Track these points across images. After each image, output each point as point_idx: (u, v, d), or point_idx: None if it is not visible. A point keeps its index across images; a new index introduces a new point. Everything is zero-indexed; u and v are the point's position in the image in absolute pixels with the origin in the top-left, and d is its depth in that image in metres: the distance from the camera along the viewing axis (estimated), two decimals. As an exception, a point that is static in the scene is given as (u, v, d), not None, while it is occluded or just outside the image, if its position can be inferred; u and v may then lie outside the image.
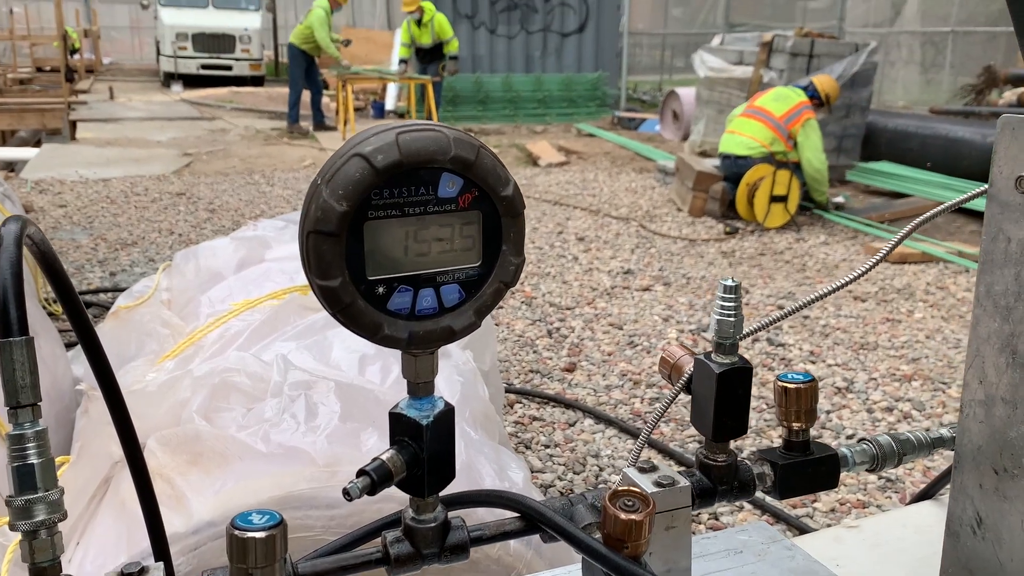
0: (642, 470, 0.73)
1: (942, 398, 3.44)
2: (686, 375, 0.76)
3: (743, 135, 6.20)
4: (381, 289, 0.57)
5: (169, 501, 1.19)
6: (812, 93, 6.26)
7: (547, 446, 3.00)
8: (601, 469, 2.86)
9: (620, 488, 0.63)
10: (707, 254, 5.55)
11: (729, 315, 0.71)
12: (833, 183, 7.86)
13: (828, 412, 3.29)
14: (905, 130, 7.86)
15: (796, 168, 6.16)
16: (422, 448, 0.63)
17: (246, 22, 18.50)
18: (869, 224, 6.27)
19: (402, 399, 0.64)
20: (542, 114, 13.14)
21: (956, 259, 5.38)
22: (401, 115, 13.05)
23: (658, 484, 0.71)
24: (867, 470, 0.81)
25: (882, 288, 4.86)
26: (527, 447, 2.99)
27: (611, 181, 8.18)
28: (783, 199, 6.11)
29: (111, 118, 12.58)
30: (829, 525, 2.62)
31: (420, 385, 0.63)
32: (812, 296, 0.78)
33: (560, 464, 2.88)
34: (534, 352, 3.84)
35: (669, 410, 3.30)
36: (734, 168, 6.24)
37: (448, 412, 0.64)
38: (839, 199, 7.07)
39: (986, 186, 0.80)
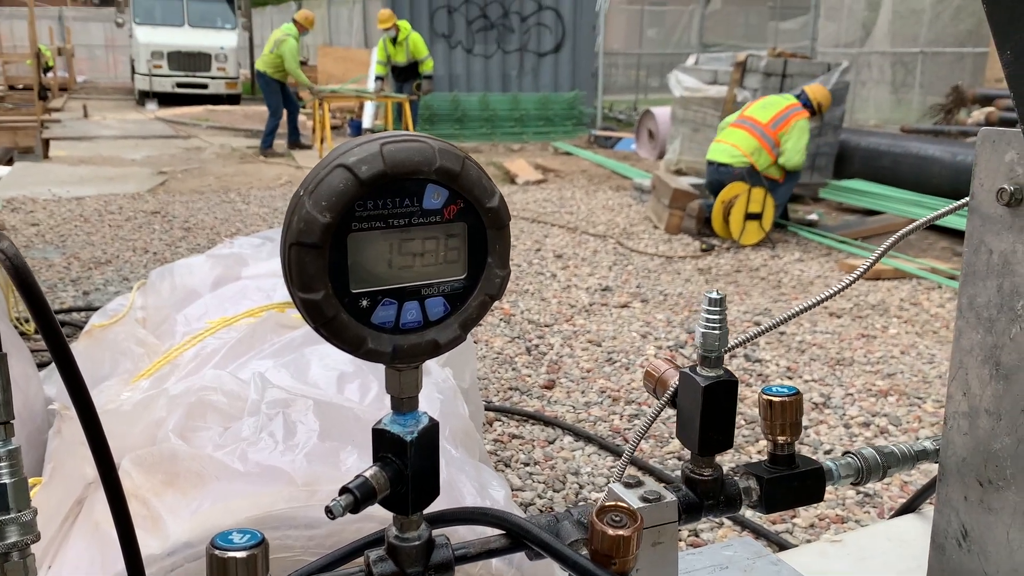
0: (628, 485, 0.72)
1: (918, 413, 3.47)
2: (671, 389, 0.76)
3: (727, 143, 6.27)
4: (365, 302, 0.57)
5: (145, 522, 1.16)
6: (805, 101, 6.33)
7: (527, 464, 2.98)
8: (581, 487, 2.84)
9: (607, 504, 0.63)
10: (684, 271, 5.57)
11: (714, 328, 0.71)
12: (807, 200, 7.95)
13: (806, 428, 3.30)
14: (877, 148, 7.97)
15: (772, 185, 6.20)
16: (406, 465, 0.62)
17: (222, 41, 18.45)
18: (843, 241, 6.34)
19: (385, 415, 0.63)
20: (519, 132, 13.19)
21: (929, 275, 5.44)
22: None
23: (644, 499, 0.70)
24: (852, 483, 0.81)
25: (857, 304, 4.91)
26: (507, 465, 2.98)
27: (588, 199, 8.21)
28: (758, 216, 6.16)
29: (85, 136, 12.47)
30: (809, 541, 2.63)
31: (404, 400, 0.62)
32: (795, 309, 0.78)
33: (540, 482, 2.86)
34: (513, 369, 3.83)
35: (643, 439, 3.30)
36: (715, 175, 6.30)
37: (432, 428, 0.63)
38: (813, 216, 7.15)
39: (962, 201, 0.80)
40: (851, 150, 8.13)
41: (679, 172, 8.46)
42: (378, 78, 11.26)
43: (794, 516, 2.69)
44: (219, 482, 1.22)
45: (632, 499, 0.71)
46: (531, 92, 13.94)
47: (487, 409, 3.32)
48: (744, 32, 18.07)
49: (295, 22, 10.88)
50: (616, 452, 3.06)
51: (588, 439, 3.16)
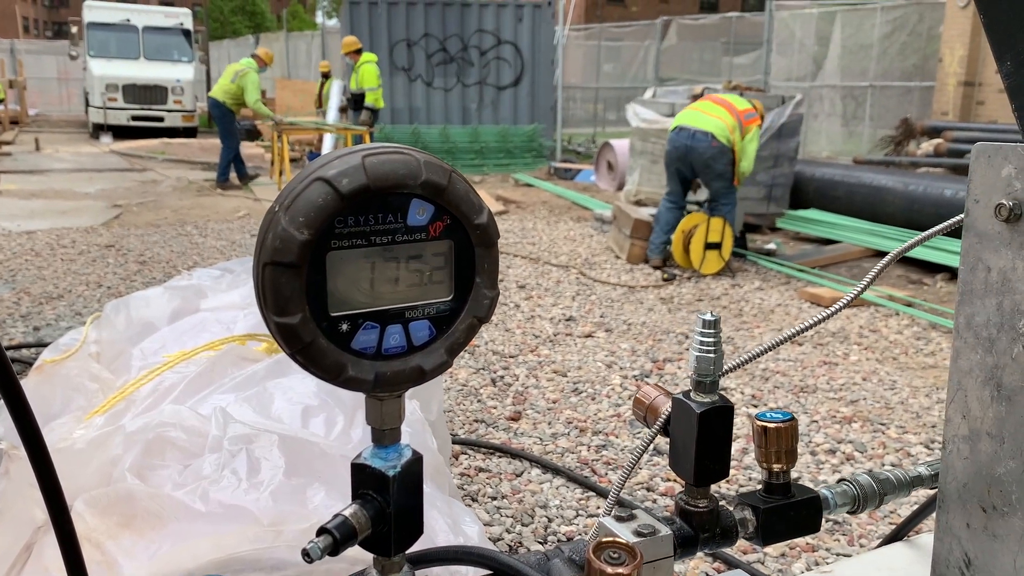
0: (620, 519, 0.69)
1: (882, 439, 3.48)
2: (663, 416, 0.73)
3: (710, 115, 5.99)
4: (345, 326, 0.53)
5: (99, 568, 1.09)
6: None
7: (494, 498, 2.92)
8: (550, 520, 2.79)
9: (603, 540, 0.59)
10: (646, 300, 5.58)
11: (709, 351, 0.68)
12: (764, 230, 8.05)
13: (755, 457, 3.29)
14: (832, 179, 8.11)
15: (726, 192, 6.17)
16: (388, 502, 0.57)
17: (178, 73, 18.30)
18: (801, 270, 6.41)
19: (365, 448, 0.59)
20: (479, 164, 13.23)
21: (886, 303, 5.52)
22: (337, 166, 12.96)
23: (638, 533, 0.67)
24: (848, 512, 0.78)
25: (818, 332, 4.94)
26: (474, 499, 2.91)
27: (550, 229, 8.23)
28: (717, 246, 6.20)
29: (36, 170, 12.22)
30: (781, 571, 2.60)
31: (386, 432, 0.58)
32: (790, 332, 0.75)
33: (508, 516, 2.81)
34: (478, 401, 3.77)
35: (616, 457, 3.26)
36: (689, 142, 5.93)
37: (416, 461, 0.59)
38: (771, 246, 7.23)
39: (954, 219, 0.79)
40: (806, 181, 8.27)
41: (639, 203, 8.52)
42: (342, 110, 11.29)
43: (757, 551, 2.66)
44: (179, 523, 1.16)
45: (625, 534, 0.67)
46: (491, 125, 14.01)
47: (453, 442, 3.26)
48: (699, 67, 18.41)
49: (255, 57, 10.84)
50: (584, 484, 3.01)
51: (556, 471, 3.11)
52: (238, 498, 1.19)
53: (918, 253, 6.49)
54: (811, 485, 0.78)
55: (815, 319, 0.76)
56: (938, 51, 12.36)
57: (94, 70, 17.70)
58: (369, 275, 0.53)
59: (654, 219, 6.45)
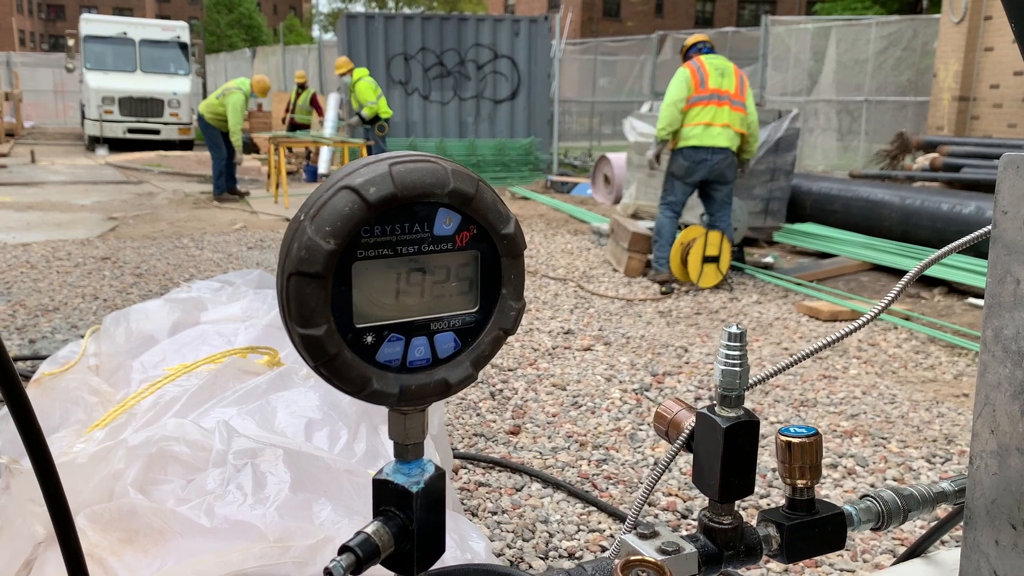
0: (642, 536, 0.67)
1: (883, 453, 3.47)
2: (686, 431, 0.71)
3: (721, 124, 5.99)
4: (370, 338, 0.51)
5: (101, 585, 1.07)
6: None
7: (494, 512, 2.90)
8: (551, 535, 2.77)
9: (632, 558, 0.57)
10: (645, 313, 5.57)
11: (735, 364, 0.67)
12: (761, 244, 8.06)
13: (773, 470, 3.27)
14: (828, 192, 8.13)
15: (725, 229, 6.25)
16: (411, 519, 0.56)
17: (175, 86, 18.32)
18: (799, 283, 6.41)
19: (387, 464, 0.58)
20: (476, 178, 13.24)
21: (884, 316, 5.51)
22: (334, 179, 12.98)
23: (663, 551, 0.65)
24: (872, 529, 0.77)
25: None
26: (474, 514, 2.89)
27: (547, 243, 8.22)
28: (715, 259, 6.20)
29: (32, 182, 12.20)
30: (784, 586, 2.58)
31: (409, 447, 0.57)
32: (820, 343, 0.74)
33: (509, 531, 2.78)
34: (477, 415, 3.75)
35: (616, 472, 3.24)
36: (709, 156, 5.96)
37: (439, 477, 0.58)
38: (768, 259, 7.24)
39: (978, 232, 0.78)
40: (803, 195, 8.29)
41: (635, 216, 8.53)
42: (359, 116, 11.26)
43: (768, 560, 2.64)
44: (183, 539, 1.14)
45: (649, 552, 0.65)
46: (487, 138, 14.04)
47: (453, 456, 3.23)
48: (694, 81, 18.44)
49: (252, 84, 10.74)
50: (586, 499, 2.99)
51: (557, 486, 3.09)
52: (244, 513, 1.17)
53: (912, 266, 6.49)
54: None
55: (842, 332, 0.75)
56: (932, 66, 12.43)
57: (90, 83, 17.71)
58: (395, 286, 0.52)
59: (656, 233, 6.42)
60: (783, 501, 0.74)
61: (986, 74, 11.59)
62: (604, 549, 2.69)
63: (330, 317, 0.49)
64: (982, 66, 11.59)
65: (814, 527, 0.72)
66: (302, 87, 13.59)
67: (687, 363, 4.54)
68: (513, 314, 0.56)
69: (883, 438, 3.61)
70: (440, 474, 0.58)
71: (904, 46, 13.07)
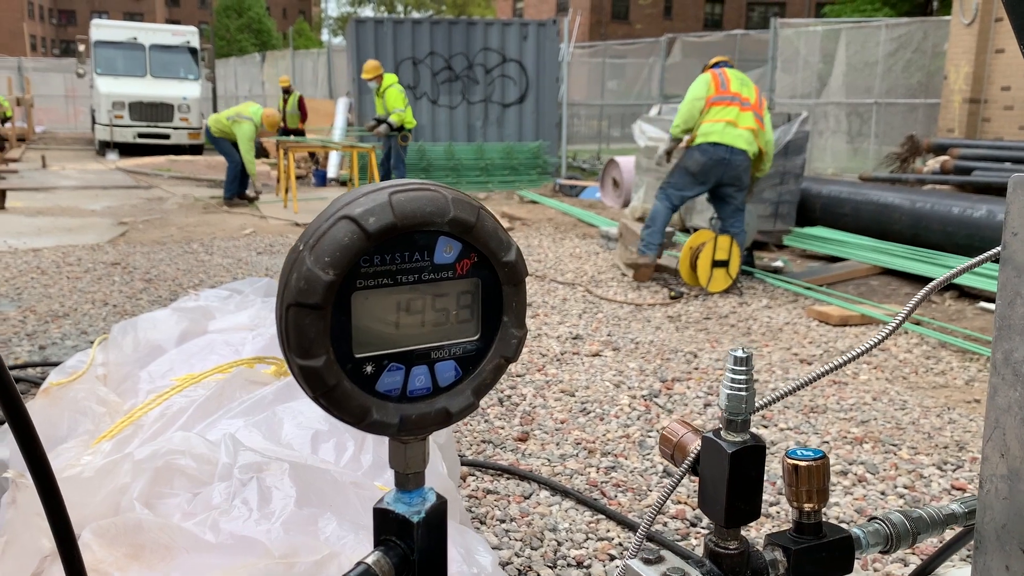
0: (647, 561, 0.66)
1: (894, 460, 3.44)
2: (691, 455, 0.70)
3: (742, 127, 5.95)
4: (370, 368, 0.51)
5: (106, 602, 1.07)
6: None
7: (502, 520, 2.89)
8: (560, 544, 2.76)
9: (637, 586, 0.57)
10: (654, 318, 5.56)
11: (740, 389, 0.66)
12: (771, 248, 8.03)
13: (782, 477, 3.25)
14: (838, 196, 8.09)
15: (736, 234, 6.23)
16: (412, 548, 0.55)
17: (185, 91, 18.40)
18: (809, 287, 6.38)
19: (388, 492, 0.57)
20: (484, 181, 13.25)
21: (895, 321, 5.48)
22: (344, 183, 13.03)
23: (667, 577, 0.65)
24: (881, 552, 0.76)
25: (826, 351, 4.91)
26: (481, 522, 2.88)
27: (555, 247, 8.21)
28: (724, 264, 6.18)
29: (43, 187, 12.27)
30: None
31: (410, 476, 0.56)
32: (852, 354, 0.73)
33: (517, 540, 2.77)
34: (485, 421, 3.75)
35: (625, 480, 3.23)
36: (727, 155, 5.88)
37: (440, 506, 0.57)
38: (778, 263, 7.21)
39: (991, 252, 0.77)
40: (812, 198, 8.26)
41: (643, 219, 8.52)
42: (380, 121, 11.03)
43: None
44: (189, 555, 1.14)
45: (654, 577, 0.65)
46: (496, 142, 14.05)
47: (460, 464, 3.23)
48: (703, 84, 18.41)
49: (262, 117, 10.67)
50: (594, 507, 2.98)
51: (565, 493, 3.08)
52: (249, 529, 1.17)
53: (926, 271, 6.47)
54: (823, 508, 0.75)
55: (870, 343, 0.74)
56: (943, 68, 12.37)
57: (101, 88, 17.81)
58: (395, 315, 0.51)
59: (649, 219, 6.34)
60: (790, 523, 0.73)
61: (997, 76, 11.52)
62: (613, 558, 2.68)
63: (329, 348, 0.49)
64: (993, 68, 11.54)
65: (821, 551, 0.71)
66: (287, 92, 13.58)
67: (696, 369, 4.52)
68: (515, 342, 0.55)
69: (894, 445, 3.59)
70: (441, 503, 0.57)
71: (914, 48, 13.02)
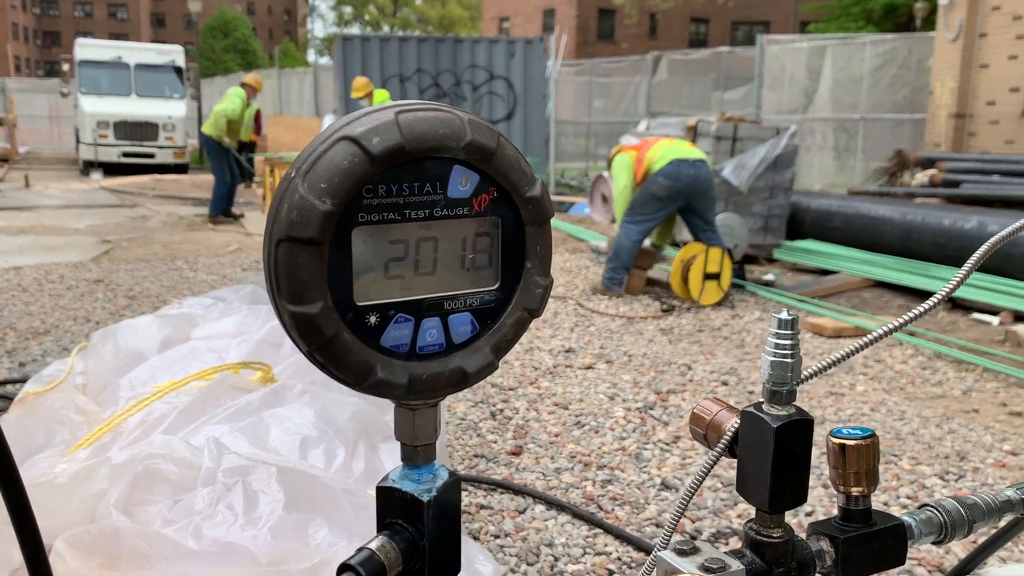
0: (681, 552, 0.59)
1: (895, 470, 3.38)
2: (728, 434, 0.63)
3: (690, 146, 6.13)
4: (373, 318, 0.43)
5: (78, 615, 0.98)
6: None
7: (497, 536, 2.80)
8: (556, 559, 2.67)
9: (678, 576, 0.49)
10: (646, 331, 5.49)
11: (786, 356, 0.59)
12: (762, 261, 7.99)
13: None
14: (828, 209, 8.08)
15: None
16: (422, 533, 0.47)
17: (170, 110, 18.31)
18: (802, 300, 6.34)
19: (393, 469, 0.50)
20: (472, 199, 13.21)
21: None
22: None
23: (706, 569, 0.57)
24: (934, 542, 0.69)
25: (822, 362, 4.85)
26: (475, 537, 2.79)
27: (545, 262, 8.15)
28: (716, 276, 6.13)
29: (26, 206, 12.13)
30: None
31: (419, 449, 0.48)
32: (885, 329, 0.66)
33: (512, 555, 2.68)
34: (478, 435, 3.66)
35: (622, 493, 3.15)
36: (693, 171, 5.93)
37: (454, 484, 0.50)
38: (769, 276, 7.17)
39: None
40: (802, 212, 8.24)
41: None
42: None
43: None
44: (169, 563, 1.05)
45: (690, 569, 0.57)
46: (484, 159, 14.03)
47: (453, 477, 3.14)
48: (689, 101, 18.55)
49: (244, 85, 10.77)
50: (591, 521, 2.89)
51: (561, 507, 2.99)
52: (234, 535, 1.09)
53: (918, 283, 6.44)
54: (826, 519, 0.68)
55: (908, 316, 0.67)
56: (928, 84, 12.45)
57: (85, 107, 17.69)
58: (403, 257, 0.44)
59: (614, 252, 6.34)
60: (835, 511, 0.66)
61: (982, 91, 11.60)
62: (611, 573, 2.60)
63: (326, 292, 0.41)
64: (978, 83, 11.61)
65: (872, 540, 0.64)
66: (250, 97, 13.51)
67: (691, 381, 4.45)
68: (539, 291, 0.48)
69: (894, 455, 3.53)
70: (455, 481, 0.50)
71: (899, 64, 13.11)
